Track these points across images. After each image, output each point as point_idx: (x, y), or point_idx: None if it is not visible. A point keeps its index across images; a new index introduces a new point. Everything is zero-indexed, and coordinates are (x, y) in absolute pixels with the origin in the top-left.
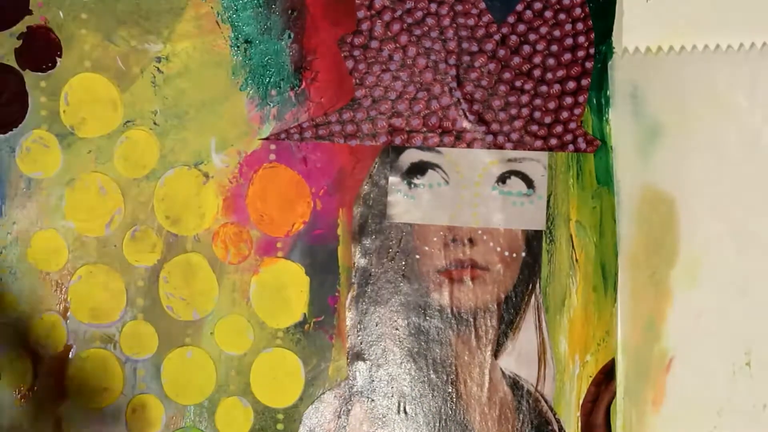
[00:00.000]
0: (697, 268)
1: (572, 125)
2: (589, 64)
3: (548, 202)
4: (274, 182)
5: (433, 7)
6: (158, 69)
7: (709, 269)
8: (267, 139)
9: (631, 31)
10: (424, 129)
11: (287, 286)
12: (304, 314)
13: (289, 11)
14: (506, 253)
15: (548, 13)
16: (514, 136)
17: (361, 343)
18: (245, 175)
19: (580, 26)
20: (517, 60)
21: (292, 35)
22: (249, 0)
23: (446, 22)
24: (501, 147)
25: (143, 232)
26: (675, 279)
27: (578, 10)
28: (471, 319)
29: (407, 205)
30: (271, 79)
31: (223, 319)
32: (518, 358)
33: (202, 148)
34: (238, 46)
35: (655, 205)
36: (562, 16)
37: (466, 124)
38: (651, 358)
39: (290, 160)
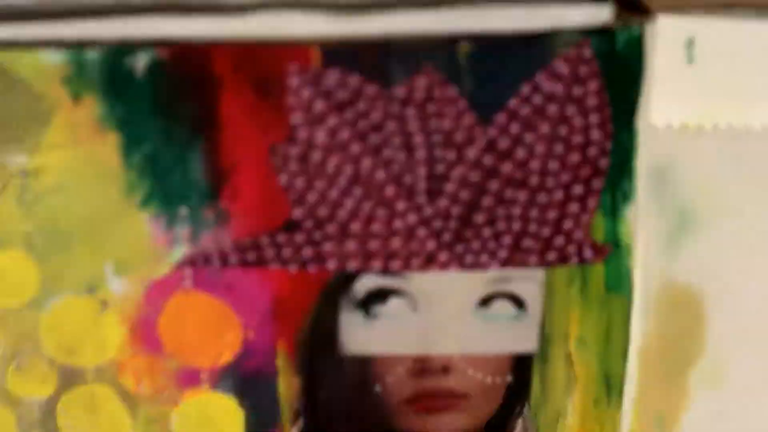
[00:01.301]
0: (723, 367)
1: (577, 235)
2: (603, 162)
3: (542, 321)
4: (193, 311)
5: (396, 108)
6: (25, 185)
7: (737, 369)
8: (178, 264)
9: (663, 103)
10: (386, 252)
11: (216, 420)
12: None
13: (198, 117)
14: (489, 379)
15: (552, 108)
16: (502, 253)
17: None
18: (154, 303)
19: (594, 118)
20: (508, 167)
21: (203, 146)
22: (140, 104)
23: (413, 126)
24: (484, 267)
25: (30, 364)
26: (695, 378)
27: (593, 100)
28: None
29: (365, 335)
30: (180, 196)
31: None
32: None
33: (94, 273)
34: (130, 156)
35: (680, 302)
36: (570, 110)
37: (439, 245)
38: None
39: (212, 286)
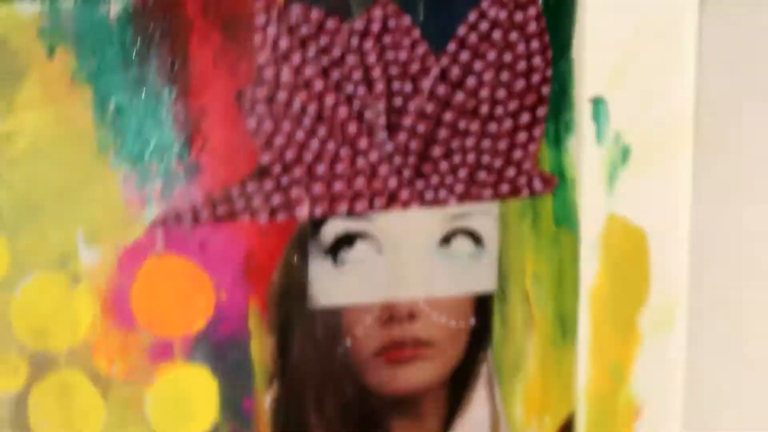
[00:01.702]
0: (670, 310)
1: (526, 165)
2: (545, 89)
3: (499, 257)
4: (165, 276)
5: (355, 41)
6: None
7: (683, 311)
8: (150, 225)
9: (596, 39)
10: (350, 192)
11: (191, 393)
12: (216, 423)
13: (169, 62)
14: (453, 323)
15: (497, 34)
16: (459, 188)
17: None
18: (126, 271)
19: (535, 45)
20: (460, 96)
21: (173, 92)
22: (113, 52)
23: (372, 59)
24: (444, 203)
25: (0, 355)
26: (645, 322)
27: (533, 25)
28: (416, 403)
29: (333, 284)
30: (151, 150)
31: None
32: None
33: (66, 244)
34: (103, 112)
35: (623, 238)
36: (513, 36)
37: (400, 182)
38: (617, 408)
39: (184, 247)
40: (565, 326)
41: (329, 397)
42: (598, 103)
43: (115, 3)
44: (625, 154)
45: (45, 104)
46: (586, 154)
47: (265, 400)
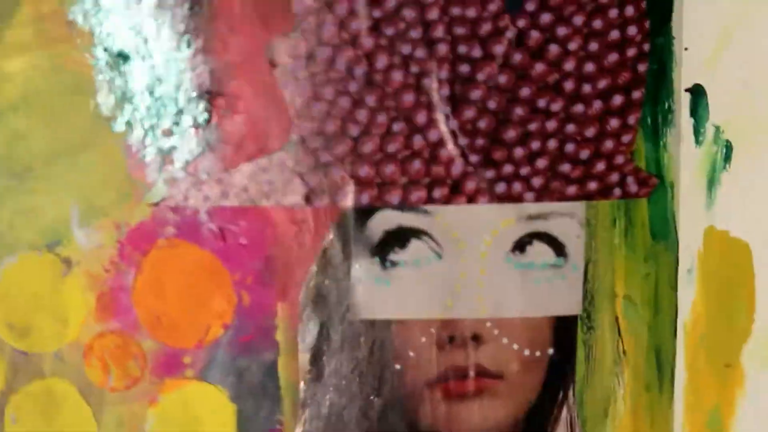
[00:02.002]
0: None
1: (619, 159)
2: (642, 67)
3: (585, 273)
4: (176, 268)
5: None
6: None
7: None
8: (159, 204)
9: (700, 15)
10: (404, 179)
11: (203, 418)
12: None
13: (188, 6)
14: (527, 352)
15: None
16: (537, 181)
17: None
18: (129, 259)
19: (630, 11)
20: (540, 68)
21: (194, 43)
22: None
23: (434, 14)
24: (518, 199)
25: None
26: (749, 359)
27: None
28: None
29: (381, 293)
30: (163, 112)
31: None
32: None
33: (57, 220)
34: (107, 62)
35: (724, 257)
36: None
37: (465, 168)
38: None
39: (198, 234)
40: (661, 364)
41: None
42: (697, 92)
43: None
44: (727, 153)
45: (37, 47)
46: (684, 153)
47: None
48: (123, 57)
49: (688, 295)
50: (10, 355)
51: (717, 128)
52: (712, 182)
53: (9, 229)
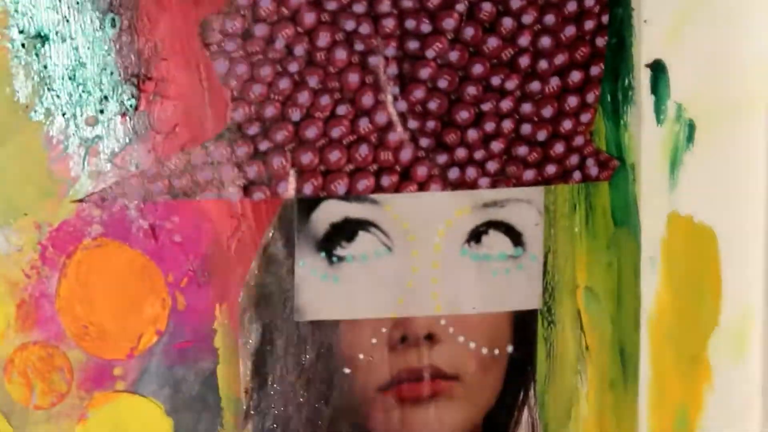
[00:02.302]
0: (745, 333)
1: (578, 140)
2: (601, 41)
3: (545, 264)
4: (103, 271)
5: None
6: None
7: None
8: (84, 200)
9: None
10: (350, 166)
11: None
12: None
13: None
14: (484, 351)
15: None
16: (492, 165)
17: None
18: (52, 262)
19: None
20: (493, 43)
21: (118, 21)
22: None
23: None
24: (473, 185)
25: None
26: (715, 349)
27: None
28: None
29: (328, 291)
30: (86, 99)
31: None
32: None
33: None
34: (24, 46)
35: (688, 244)
36: None
37: (416, 153)
38: None
39: (128, 232)
40: (625, 359)
41: None
42: (657, 68)
43: None
44: (690, 132)
45: None
46: (645, 133)
47: None
48: (41, 38)
49: (652, 285)
50: None
51: (679, 106)
52: (674, 163)
53: None
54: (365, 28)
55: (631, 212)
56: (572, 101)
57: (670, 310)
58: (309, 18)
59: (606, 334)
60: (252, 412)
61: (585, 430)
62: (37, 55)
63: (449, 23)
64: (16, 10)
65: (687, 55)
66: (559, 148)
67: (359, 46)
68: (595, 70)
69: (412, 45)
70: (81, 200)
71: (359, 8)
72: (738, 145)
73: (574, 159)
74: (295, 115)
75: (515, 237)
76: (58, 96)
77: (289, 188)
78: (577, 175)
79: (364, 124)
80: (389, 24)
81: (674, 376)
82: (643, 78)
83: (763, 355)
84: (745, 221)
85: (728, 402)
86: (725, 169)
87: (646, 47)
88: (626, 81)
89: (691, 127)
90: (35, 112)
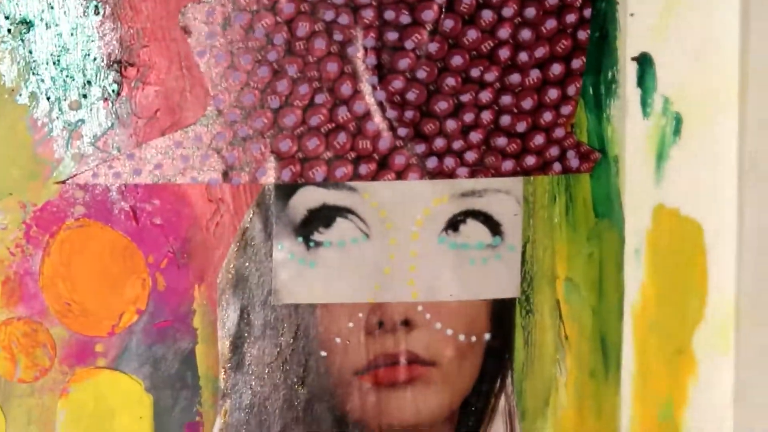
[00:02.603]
0: (730, 327)
1: (558, 132)
2: (582, 34)
3: (523, 254)
4: (86, 250)
5: None
6: None
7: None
8: (67, 182)
9: None
10: (328, 154)
11: (117, 410)
12: None
13: None
14: (461, 338)
15: None
16: (470, 155)
17: None
18: (35, 241)
19: None
20: (473, 35)
21: (101, 8)
22: None
23: None
24: (451, 174)
25: None
26: (700, 342)
27: None
28: None
29: (305, 276)
30: (70, 83)
31: None
32: None
33: None
34: (10, 31)
35: (674, 237)
36: None
37: (394, 142)
38: None
39: (109, 213)
40: (606, 350)
41: (296, 426)
42: (644, 61)
43: None
44: (677, 125)
45: None
46: (630, 126)
47: (214, 425)
48: (26, 24)
49: (636, 278)
50: None
51: (666, 99)
52: (660, 156)
53: None
54: (344, 19)
55: (613, 205)
56: (553, 94)
57: (655, 302)
58: (288, 8)
59: (586, 324)
60: (229, 391)
61: (563, 417)
62: (22, 40)
63: (428, 15)
64: None
65: (674, 48)
66: (539, 139)
67: (338, 36)
68: (576, 63)
69: (391, 36)
70: (64, 182)
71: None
72: (724, 139)
73: (554, 150)
74: (274, 102)
75: (493, 227)
76: (42, 80)
77: (267, 174)
78: (557, 166)
79: (342, 113)
80: (368, 15)
81: (659, 369)
82: (629, 71)
83: (748, 349)
84: (731, 215)
85: (713, 395)
86: (712, 163)
87: (631, 40)
88: (610, 74)
89: (678, 120)
90: (20, 95)
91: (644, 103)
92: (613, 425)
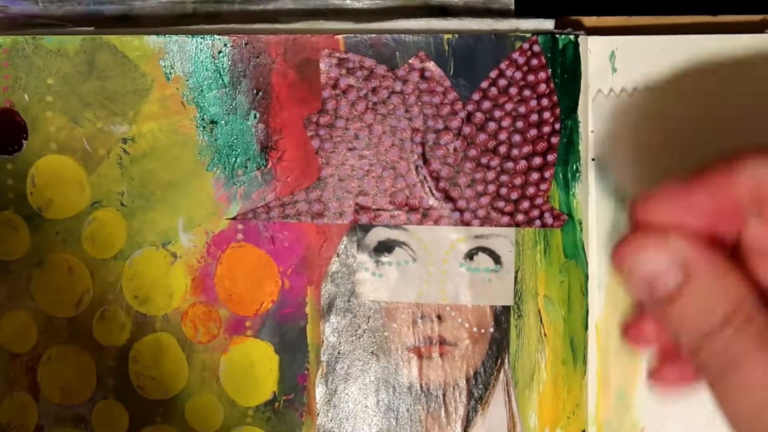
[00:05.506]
0: None
1: (539, 201)
2: (554, 139)
3: (516, 277)
4: (242, 262)
5: (399, 86)
6: (124, 150)
7: None
8: (234, 218)
9: (597, 107)
10: (391, 207)
11: (257, 364)
12: (274, 392)
13: (255, 91)
14: (474, 329)
15: (513, 90)
16: (481, 212)
17: (331, 421)
18: (213, 254)
19: (545, 102)
20: (482, 137)
21: (257, 115)
22: (214, 81)
23: (411, 100)
24: (468, 224)
25: (112, 313)
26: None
27: (543, 87)
28: (440, 396)
29: (375, 283)
30: (238, 159)
31: (194, 398)
32: None
33: (169, 228)
34: (203, 127)
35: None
36: (527, 92)
37: (432, 202)
38: (622, 430)
39: (258, 239)
40: (575, 348)
41: (369, 391)
42: (600, 162)
43: (217, 42)
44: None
45: (161, 116)
46: (592, 202)
47: (315, 376)
48: (213, 123)
49: (600, 301)
50: (135, 317)
51: (618, 186)
52: (616, 226)
53: (138, 233)
54: (403, 125)
55: (578, 251)
56: (534, 176)
57: (614, 322)
58: (369, 117)
59: (559, 328)
60: (326, 355)
61: (544, 388)
62: (210, 131)
63: (455, 123)
64: (201, 107)
65: (623, 153)
66: (525, 204)
67: (399, 135)
68: (550, 158)
69: (431, 136)
70: (232, 218)
71: (400, 112)
72: None
73: (535, 212)
74: (359, 174)
75: (496, 258)
76: (221, 157)
77: (354, 218)
78: (537, 222)
79: (399, 182)
80: (417, 122)
81: (615, 365)
82: (590, 166)
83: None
84: None
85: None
86: None
87: (591, 146)
88: (574, 167)
89: (625, 197)
90: (209, 166)
91: (603, 187)
92: (580, 396)
